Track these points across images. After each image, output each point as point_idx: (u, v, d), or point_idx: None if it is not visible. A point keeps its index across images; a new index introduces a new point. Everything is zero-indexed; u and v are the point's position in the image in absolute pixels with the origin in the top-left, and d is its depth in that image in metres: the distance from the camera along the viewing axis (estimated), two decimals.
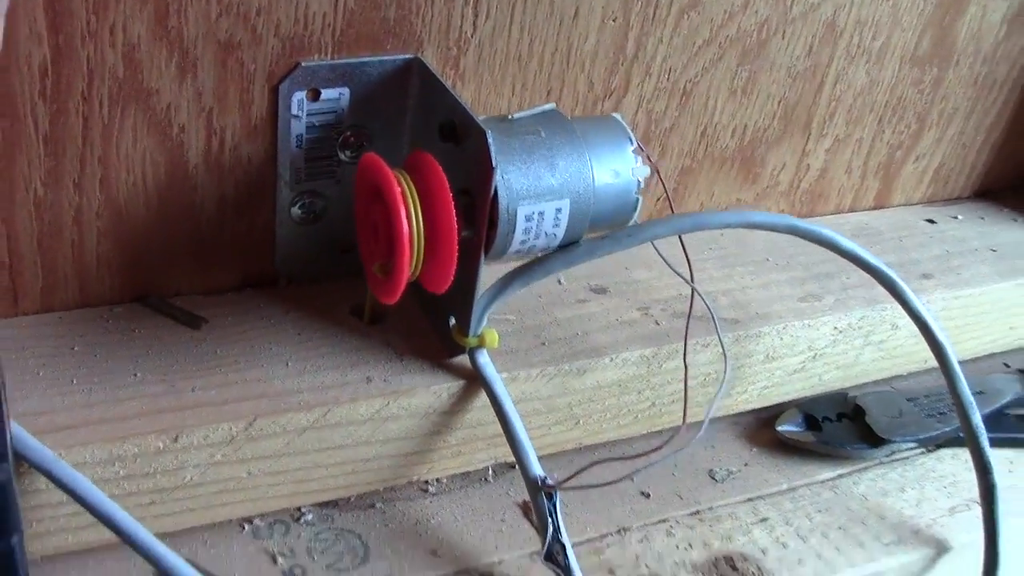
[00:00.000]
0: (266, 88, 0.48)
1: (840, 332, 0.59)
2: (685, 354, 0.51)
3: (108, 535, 0.46)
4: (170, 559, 0.44)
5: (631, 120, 0.57)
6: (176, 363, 0.49)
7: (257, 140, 0.50)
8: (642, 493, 0.56)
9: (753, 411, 0.61)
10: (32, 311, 0.50)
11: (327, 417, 0.48)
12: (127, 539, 0.43)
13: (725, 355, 0.51)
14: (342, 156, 0.52)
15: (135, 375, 0.48)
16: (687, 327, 0.51)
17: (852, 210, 0.69)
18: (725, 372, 0.50)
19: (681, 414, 0.54)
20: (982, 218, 0.71)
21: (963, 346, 0.65)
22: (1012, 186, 0.75)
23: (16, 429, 0.42)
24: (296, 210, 0.52)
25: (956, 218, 0.70)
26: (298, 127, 0.50)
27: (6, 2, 0.36)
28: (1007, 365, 0.68)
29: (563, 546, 0.49)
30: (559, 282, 0.58)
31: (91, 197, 0.48)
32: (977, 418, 0.54)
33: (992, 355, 0.68)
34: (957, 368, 0.54)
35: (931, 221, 0.70)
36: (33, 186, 0.47)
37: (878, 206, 0.70)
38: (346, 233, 0.53)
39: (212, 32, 0.46)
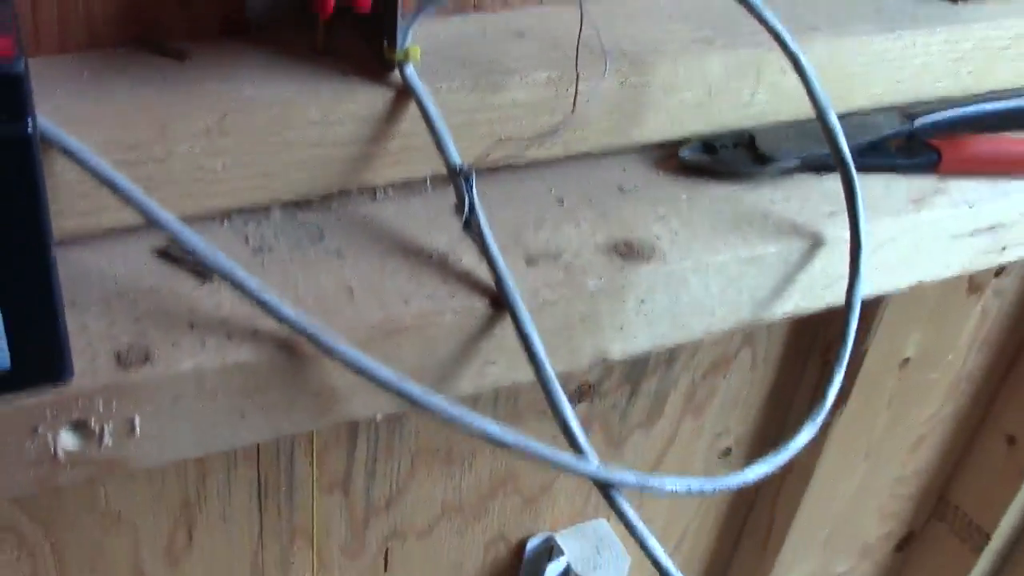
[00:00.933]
0: None
1: (730, 70, 0.70)
2: (577, 60, 0.63)
3: (113, 220, 0.60)
4: (172, 223, 0.57)
5: None
6: (165, 83, 0.62)
7: None
8: (557, 200, 0.68)
9: (661, 146, 0.73)
10: (50, 52, 0.63)
11: (285, 117, 0.60)
12: (131, 201, 0.56)
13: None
14: None
15: (131, 89, 0.61)
16: (579, 28, 0.63)
17: None
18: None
19: (591, 139, 0.66)
20: None
21: (853, 96, 0.76)
22: None
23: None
24: None
25: None
26: None
27: None
28: None
29: (478, 219, 0.61)
30: (483, 32, 0.70)
31: None
32: (833, 119, 0.66)
33: (889, 109, 0.78)
34: (808, 68, 0.65)
35: None
36: None
37: None
38: None
39: None
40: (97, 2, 0.63)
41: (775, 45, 0.70)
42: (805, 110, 0.74)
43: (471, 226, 0.61)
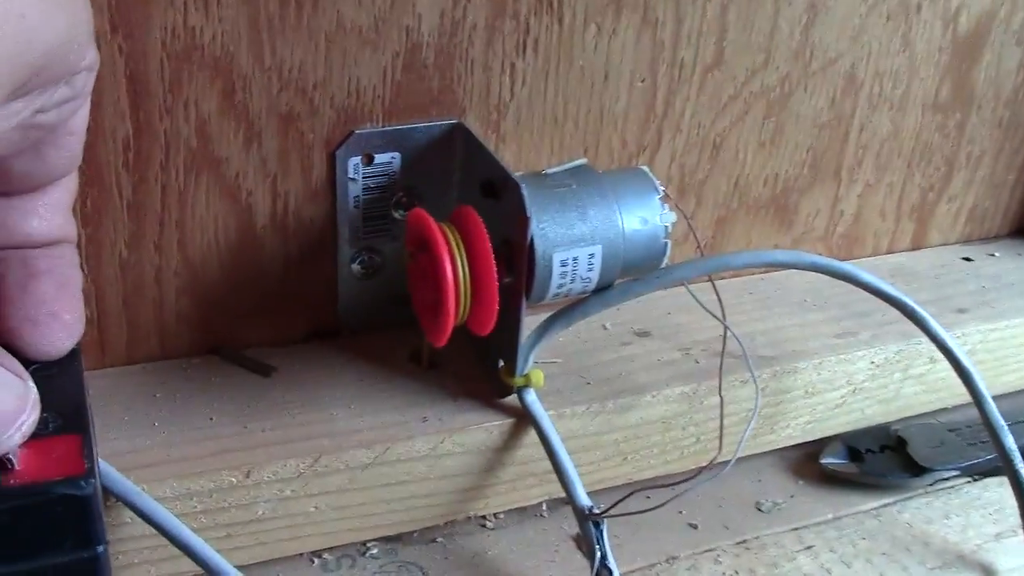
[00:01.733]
0: (324, 154, 0.52)
1: (878, 366, 0.60)
2: (720, 387, 0.53)
3: (187, 567, 0.49)
4: None
5: (665, 174, 0.59)
6: (248, 408, 0.52)
7: (318, 202, 0.53)
8: (690, 525, 0.57)
9: (798, 446, 0.62)
10: (118, 363, 0.54)
11: (386, 454, 0.50)
12: (205, 567, 0.46)
13: (756, 386, 0.52)
14: (396, 215, 0.55)
15: (210, 419, 0.51)
16: (721, 363, 0.53)
17: (890, 252, 0.70)
18: (756, 403, 0.52)
19: (727, 448, 0.56)
20: (1020, 254, 0.72)
21: (1006, 379, 0.66)
22: None
23: (103, 465, 0.46)
24: (356, 266, 0.56)
25: (993, 255, 0.71)
26: (355, 189, 0.54)
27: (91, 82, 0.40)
28: None
29: (610, 572, 0.50)
30: (604, 328, 0.60)
31: (170, 257, 0.52)
32: (1010, 440, 0.55)
33: None
34: (983, 389, 0.55)
35: (968, 259, 0.70)
36: (118, 248, 0.51)
37: (915, 247, 0.71)
38: (403, 285, 0.56)
39: (274, 105, 0.50)
40: (169, 310, 0.54)
41: (922, 334, 0.60)
42: (952, 400, 0.65)
43: None
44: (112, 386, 0.53)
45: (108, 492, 0.46)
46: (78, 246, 0.45)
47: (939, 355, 0.62)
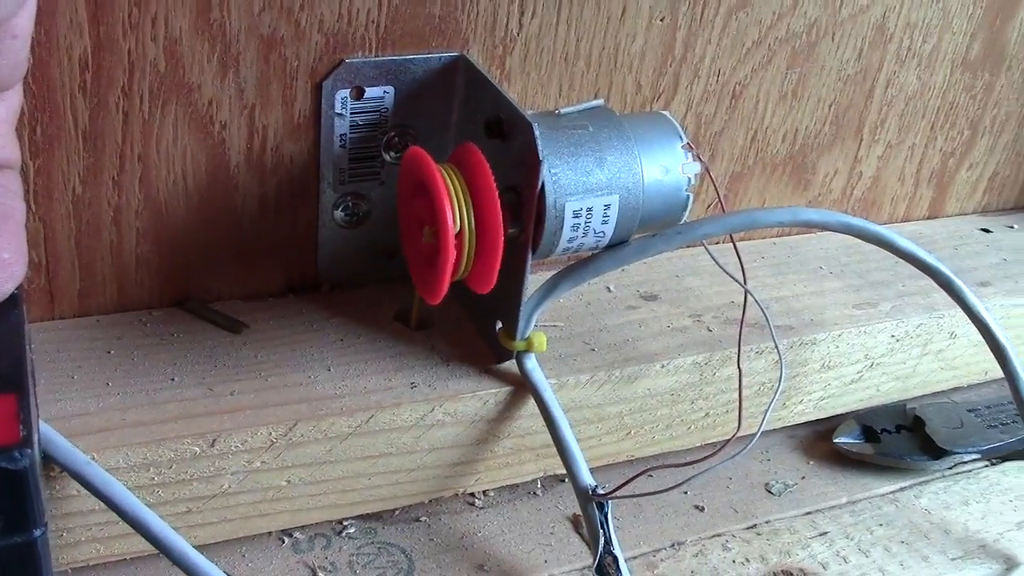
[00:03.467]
0: (309, 85, 0.44)
1: (897, 340, 0.54)
2: (739, 358, 0.46)
3: (141, 545, 0.41)
4: (206, 570, 0.39)
5: (679, 123, 0.52)
6: (215, 367, 0.44)
7: (300, 139, 0.46)
8: (696, 507, 0.51)
9: (809, 423, 0.56)
10: (68, 314, 0.46)
11: (370, 423, 0.43)
12: (161, 548, 0.38)
13: (780, 359, 0.45)
14: (386, 157, 0.47)
15: (172, 379, 0.43)
16: (740, 331, 0.46)
17: (906, 219, 0.64)
18: (780, 377, 0.45)
19: (735, 424, 0.49)
20: None
21: None
22: None
23: (46, 430, 0.38)
24: (339, 213, 0.48)
25: (1012, 227, 0.65)
26: (342, 126, 0.46)
27: None
28: None
29: (615, 558, 0.44)
30: (608, 289, 0.53)
31: (130, 196, 0.44)
32: None
33: None
34: (1018, 367, 0.49)
35: (986, 230, 0.64)
36: (71, 184, 0.43)
37: (932, 215, 0.65)
38: (390, 237, 0.48)
39: (255, 26, 0.42)
40: (128, 255, 0.46)
41: (944, 308, 0.54)
42: (968, 379, 0.59)
43: (606, 572, 0.43)
44: (61, 340, 0.45)
45: (51, 461, 0.38)
46: (24, 178, 0.38)
47: (960, 331, 0.56)
